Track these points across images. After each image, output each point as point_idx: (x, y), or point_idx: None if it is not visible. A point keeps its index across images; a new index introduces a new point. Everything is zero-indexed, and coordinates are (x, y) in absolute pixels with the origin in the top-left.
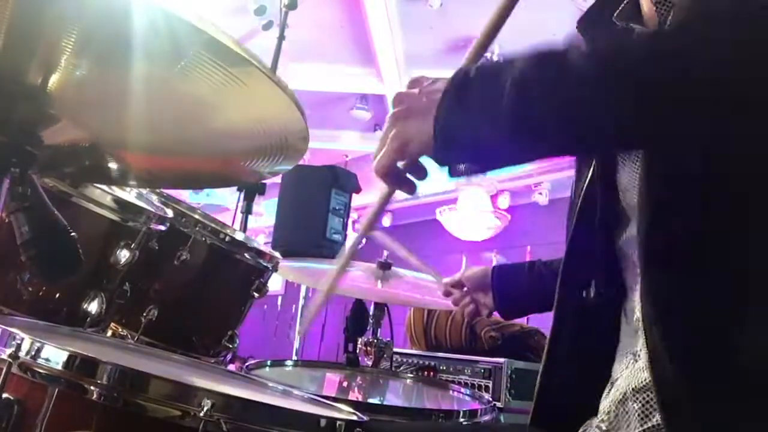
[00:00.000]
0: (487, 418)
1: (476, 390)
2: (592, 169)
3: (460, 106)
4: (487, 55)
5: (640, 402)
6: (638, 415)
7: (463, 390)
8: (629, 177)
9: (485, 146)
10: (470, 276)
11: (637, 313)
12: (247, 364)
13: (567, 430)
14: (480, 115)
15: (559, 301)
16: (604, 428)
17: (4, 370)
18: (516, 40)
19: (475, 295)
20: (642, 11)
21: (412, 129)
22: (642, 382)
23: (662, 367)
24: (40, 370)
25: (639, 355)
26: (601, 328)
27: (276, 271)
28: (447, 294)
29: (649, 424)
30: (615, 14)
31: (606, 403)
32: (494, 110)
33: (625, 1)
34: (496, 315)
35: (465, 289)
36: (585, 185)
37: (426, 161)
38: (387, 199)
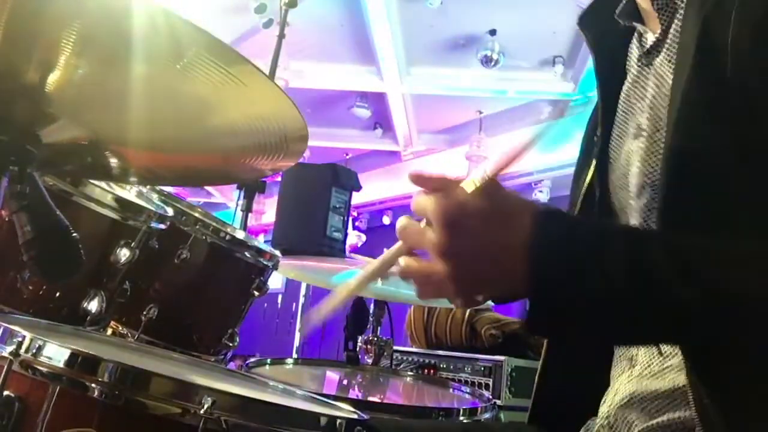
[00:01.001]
0: (487, 416)
1: (476, 388)
2: (591, 170)
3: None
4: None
5: (640, 410)
6: (640, 421)
7: (463, 388)
8: (620, 181)
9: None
10: None
11: None
12: (247, 362)
13: (565, 429)
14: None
15: None
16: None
17: (5, 368)
18: (516, 37)
19: None
20: (641, 9)
21: (484, 286)
22: (643, 390)
23: (703, 403)
24: (42, 368)
25: (635, 360)
26: None
27: (276, 269)
28: None
29: (652, 422)
30: (616, 12)
31: (605, 408)
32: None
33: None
34: (496, 313)
35: None
36: (585, 186)
37: None
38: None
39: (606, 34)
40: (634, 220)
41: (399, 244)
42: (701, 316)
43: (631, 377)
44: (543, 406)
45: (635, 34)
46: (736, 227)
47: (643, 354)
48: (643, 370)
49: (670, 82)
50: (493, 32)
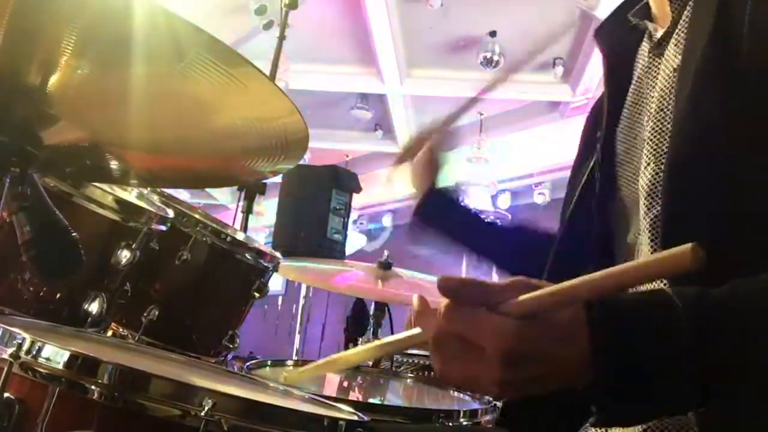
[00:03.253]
0: (487, 417)
1: None
2: (592, 162)
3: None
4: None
5: None
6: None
7: None
8: (631, 172)
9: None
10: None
11: None
12: (247, 363)
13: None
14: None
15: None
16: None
17: (5, 370)
18: (517, 39)
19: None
20: (652, 12)
21: (530, 389)
22: None
23: None
24: (41, 370)
25: None
26: None
27: (277, 270)
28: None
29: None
30: (630, 13)
31: None
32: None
33: (639, 3)
34: None
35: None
36: (584, 178)
37: None
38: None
39: (619, 38)
40: (642, 213)
41: (418, 332)
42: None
43: None
44: (515, 408)
45: (646, 34)
46: (741, 199)
47: None
48: None
49: (678, 62)
50: (493, 34)
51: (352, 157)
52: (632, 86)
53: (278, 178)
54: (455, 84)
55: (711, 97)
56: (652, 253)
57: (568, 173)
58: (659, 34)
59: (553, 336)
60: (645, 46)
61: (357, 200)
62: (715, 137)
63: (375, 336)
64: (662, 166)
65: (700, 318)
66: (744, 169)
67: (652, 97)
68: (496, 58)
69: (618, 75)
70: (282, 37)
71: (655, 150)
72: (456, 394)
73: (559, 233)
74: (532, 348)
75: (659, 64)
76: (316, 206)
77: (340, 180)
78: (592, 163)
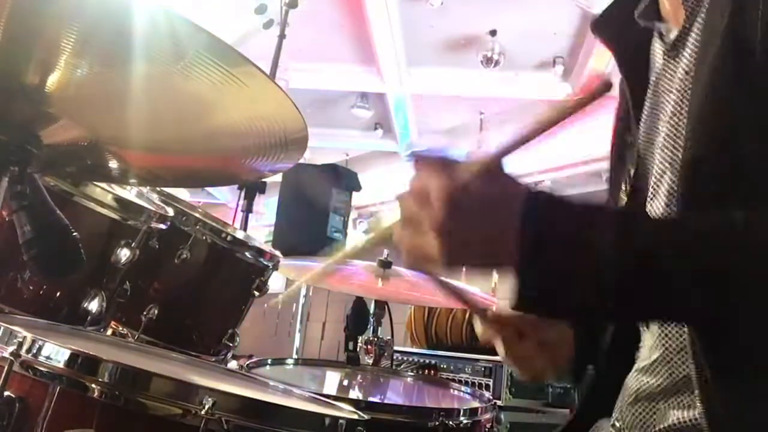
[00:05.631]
0: (487, 416)
1: (477, 388)
2: (628, 164)
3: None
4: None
5: (645, 407)
6: (644, 419)
7: (463, 388)
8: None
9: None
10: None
11: None
12: (247, 362)
13: None
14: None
15: None
16: (618, 426)
17: (5, 369)
18: (517, 38)
19: None
20: (663, 11)
21: (469, 263)
22: (644, 387)
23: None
24: (42, 368)
25: (639, 353)
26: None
27: (276, 269)
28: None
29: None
30: (637, 14)
31: (619, 403)
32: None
33: (646, 1)
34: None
35: None
36: (627, 193)
37: None
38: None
39: (624, 36)
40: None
41: (395, 219)
42: (686, 290)
43: (637, 373)
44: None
45: (656, 33)
46: (754, 199)
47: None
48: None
49: (693, 65)
50: (493, 33)
51: (352, 155)
52: (649, 90)
53: (278, 177)
54: (455, 83)
55: (725, 101)
56: None
57: (568, 172)
58: (673, 34)
59: (494, 199)
60: (658, 47)
61: (357, 199)
62: (731, 142)
63: (375, 335)
64: (678, 173)
65: (627, 233)
66: (761, 174)
67: (668, 101)
68: (496, 57)
69: (633, 72)
70: (282, 36)
71: (670, 157)
72: (456, 393)
73: None
74: (473, 199)
75: (676, 66)
76: (316, 205)
77: (341, 179)
78: (632, 171)
